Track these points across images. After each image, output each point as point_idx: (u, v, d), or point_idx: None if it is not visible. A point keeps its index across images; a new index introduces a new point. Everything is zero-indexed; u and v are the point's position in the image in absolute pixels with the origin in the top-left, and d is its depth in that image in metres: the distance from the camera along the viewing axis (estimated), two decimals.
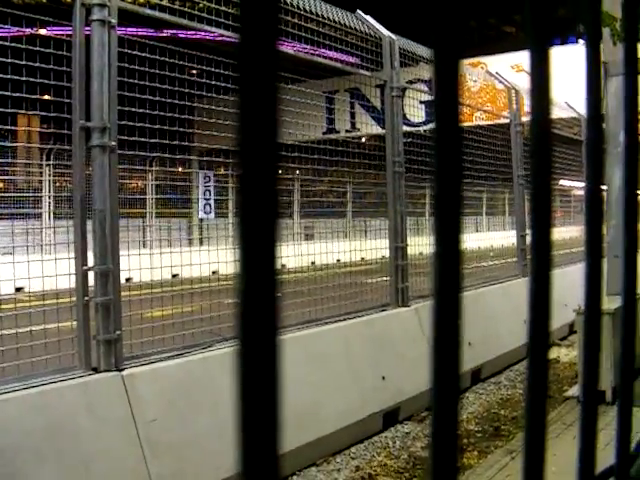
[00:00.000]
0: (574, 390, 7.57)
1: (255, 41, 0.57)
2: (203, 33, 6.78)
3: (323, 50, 8.05)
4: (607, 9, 6.48)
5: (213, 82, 6.72)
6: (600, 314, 1.02)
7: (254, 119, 0.57)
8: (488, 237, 14.36)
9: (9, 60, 5.22)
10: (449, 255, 0.70)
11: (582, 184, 15.49)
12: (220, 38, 6.64)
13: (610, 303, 6.20)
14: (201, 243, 15.00)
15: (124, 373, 5.21)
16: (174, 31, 6.66)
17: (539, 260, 0.88)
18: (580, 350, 7.46)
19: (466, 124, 13.89)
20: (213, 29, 6.43)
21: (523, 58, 21.81)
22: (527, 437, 0.91)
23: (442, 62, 0.69)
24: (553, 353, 10.72)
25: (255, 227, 0.58)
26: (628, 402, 1.45)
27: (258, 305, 0.58)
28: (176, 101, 6.59)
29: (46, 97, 5.58)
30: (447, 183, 0.70)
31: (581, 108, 14.34)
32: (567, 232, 16.47)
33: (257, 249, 0.58)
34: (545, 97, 0.87)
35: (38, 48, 5.33)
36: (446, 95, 0.69)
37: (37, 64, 5.33)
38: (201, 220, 17.09)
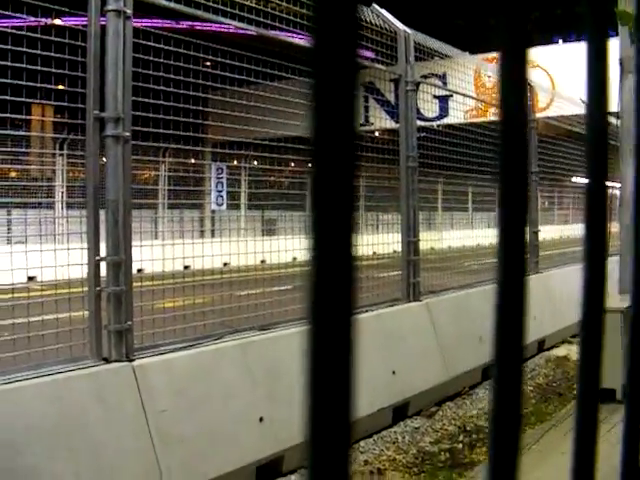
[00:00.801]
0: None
1: (333, 49, 0.58)
2: (218, 25, 6.76)
3: None
4: (625, 7, 6.45)
5: (227, 74, 6.72)
6: (602, 313, 1.01)
7: (333, 122, 0.60)
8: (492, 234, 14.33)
9: (24, 49, 5.23)
10: (514, 244, 0.72)
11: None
12: (234, 30, 6.64)
13: (622, 302, 6.18)
14: (213, 235, 15.02)
15: (135, 363, 5.22)
16: (192, 23, 6.65)
17: (593, 251, 0.88)
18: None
19: (481, 119, 13.85)
20: (228, 21, 6.43)
21: (537, 54, 21.72)
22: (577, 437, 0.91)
23: (509, 54, 0.69)
24: (563, 351, 10.69)
25: (333, 219, 0.59)
26: (636, 401, 1.44)
27: (337, 289, 0.60)
28: (190, 92, 6.59)
29: (60, 87, 5.59)
30: (512, 177, 0.70)
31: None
32: (580, 230, 16.39)
33: (335, 239, 0.59)
34: (603, 95, 0.86)
35: (53, 38, 5.34)
36: (512, 88, 0.70)
37: (52, 54, 5.34)
38: (213, 212, 17.11)
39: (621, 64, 8.14)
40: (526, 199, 0.76)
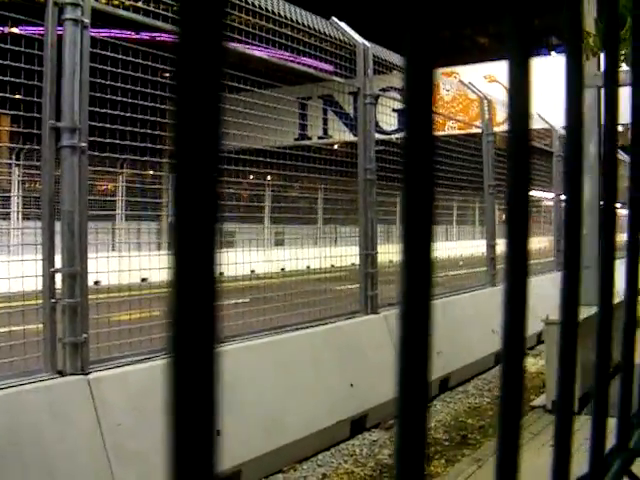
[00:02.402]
0: (541, 399, 7.61)
1: (197, 38, 0.54)
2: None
3: (297, 56, 8.05)
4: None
5: None
6: (577, 324, 1.02)
7: (195, 122, 0.54)
8: (458, 246, 14.42)
9: None
10: (419, 263, 0.69)
11: (552, 195, 15.62)
12: None
13: (580, 313, 6.23)
14: (170, 247, 14.92)
15: (90, 377, 5.15)
16: (153, 34, 6.61)
17: (515, 268, 0.87)
18: (548, 360, 7.50)
19: (438, 133, 13.92)
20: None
21: (496, 69, 21.98)
22: (500, 448, 0.90)
23: (415, 70, 0.67)
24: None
25: (192, 233, 0.54)
26: (603, 410, 1.45)
27: (196, 317, 0.55)
28: (148, 103, 6.54)
29: (17, 96, 5.52)
30: (418, 192, 0.68)
31: (552, 119, 14.46)
32: (537, 243, 16.58)
33: (194, 256, 0.54)
34: (525, 108, 0.86)
35: (9, 46, 5.28)
36: (419, 104, 0.68)
37: (8, 62, 5.27)
38: (171, 224, 17.00)
39: None
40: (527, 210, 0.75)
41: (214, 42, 0.54)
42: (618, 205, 1.58)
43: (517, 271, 0.87)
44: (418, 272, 0.69)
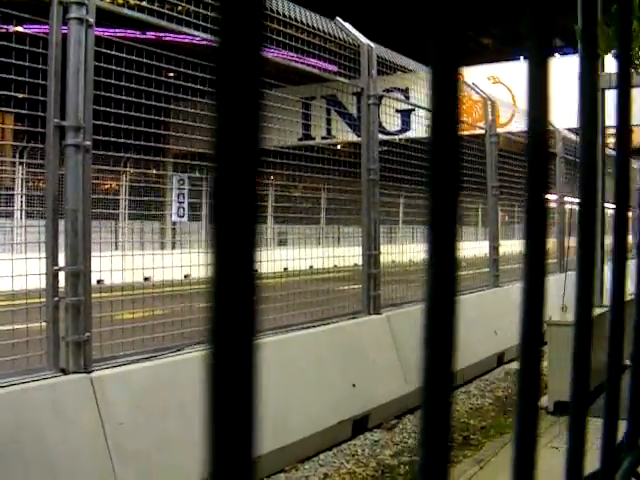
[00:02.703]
0: (543, 400, 7.60)
1: (238, 46, 0.55)
2: (183, 36, 6.75)
3: (301, 56, 8.06)
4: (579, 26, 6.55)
5: (190, 84, 6.70)
6: (591, 323, 1.02)
7: (236, 125, 0.55)
8: (461, 247, 14.41)
9: None
10: (445, 262, 0.70)
11: (555, 196, 15.60)
12: (197, 41, 6.63)
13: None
14: (173, 246, 14.94)
15: (93, 375, 5.16)
16: (159, 34, 6.63)
17: (533, 267, 0.88)
18: (549, 361, 7.50)
19: (429, 134, 13.87)
20: (192, 31, 6.41)
21: (499, 70, 21.98)
22: (516, 447, 0.91)
23: (440, 72, 0.68)
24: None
25: (234, 232, 0.55)
26: (614, 408, 1.45)
27: (237, 311, 0.56)
28: (152, 102, 6.55)
29: (21, 95, 5.53)
30: (444, 193, 0.69)
31: (556, 121, 14.45)
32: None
33: (236, 254, 0.56)
34: (543, 108, 0.86)
35: (14, 45, 5.29)
36: (444, 105, 0.68)
37: (13, 61, 5.28)
38: (174, 223, 17.01)
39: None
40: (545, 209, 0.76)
41: (253, 50, 0.55)
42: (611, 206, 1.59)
43: (535, 271, 0.88)
44: (443, 270, 0.70)
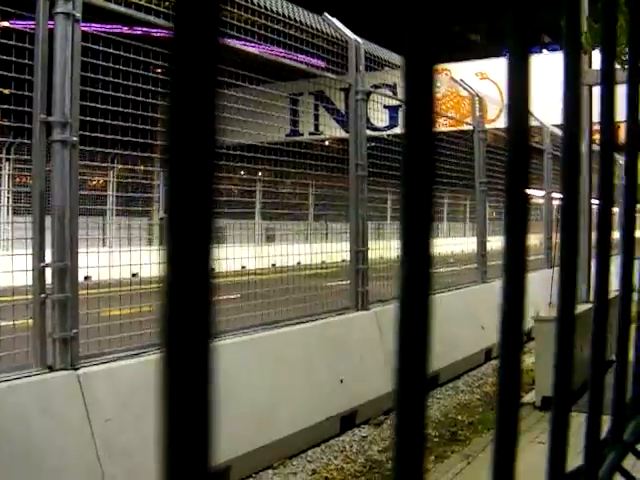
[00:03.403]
0: (530, 396, 7.63)
1: (193, 34, 0.54)
2: (171, 31, 6.72)
3: (289, 52, 8.04)
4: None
5: None
6: (574, 320, 1.02)
7: (190, 118, 0.53)
8: (448, 243, 14.43)
9: None
10: (418, 259, 0.69)
11: (542, 192, 15.64)
12: None
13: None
14: (161, 242, 14.89)
15: (80, 372, 5.14)
16: (146, 29, 6.60)
17: (513, 264, 0.88)
18: (537, 357, 7.52)
19: (403, 130, 13.88)
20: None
21: (487, 66, 22.03)
22: (497, 443, 0.91)
23: (415, 68, 0.67)
24: None
25: (189, 228, 0.54)
26: (598, 403, 1.45)
27: (191, 312, 0.54)
28: (140, 98, 6.53)
29: (6, 91, 5.50)
30: (418, 189, 0.68)
31: (543, 117, 14.48)
32: (527, 240, 16.56)
33: (190, 251, 0.54)
34: (523, 105, 0.86)
35: (0, 40, 5.25)
36: (419, 101, 0.68)
37: None
38: (161, 219, 16.98)
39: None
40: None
41: (210, 38, 0.54)
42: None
43: (515, 267, 0.87)
44: (417, 267, 0.69)
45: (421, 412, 0.70)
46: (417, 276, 0.68)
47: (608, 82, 1.41)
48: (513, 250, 0.88)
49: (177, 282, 0.54)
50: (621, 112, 1.56)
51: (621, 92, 1.54)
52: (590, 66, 8.32)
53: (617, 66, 1.52)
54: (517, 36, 0.84)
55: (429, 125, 0.68)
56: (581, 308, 1.63)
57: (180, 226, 0.53)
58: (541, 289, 7.63)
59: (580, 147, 1.25)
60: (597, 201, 1.56)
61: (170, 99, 0.53)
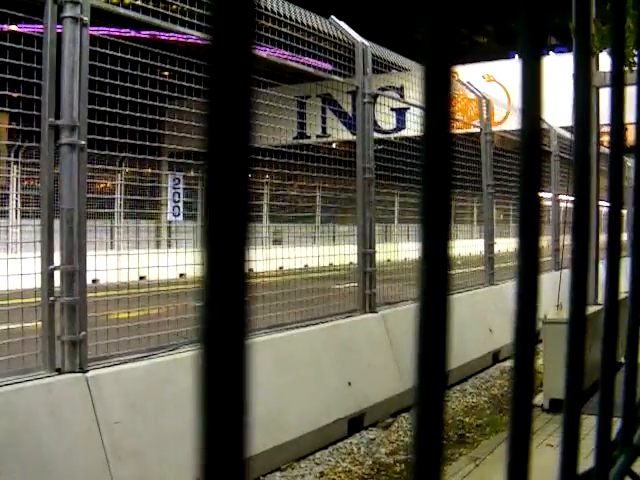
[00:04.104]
0: (539, 398, 7.62)
1: (229, 44, 0.55)
2: (179, 35, 6.74)
3: (296, 55, 8.05)
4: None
5: (185, 84, 6.70)
6: (585, 322, 1.03)
7: (227, 123, 0.55)
8: (456, 245, 14.42)
9: None
10: (438, 260, 0.70)
11: (550, 194, 15.61)
12: (192, 39, 6.62)
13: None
14: (169, 245, 14.91)
15: (88, 374, 5.16)
16: (154, 32, 6.62)
17: (526, 266, 0.88)
18: (545, 359, 7.51)
19: (422, 132, 13.88)
20: (186, 30, 6.40)
21: (494, 68, 22.00)
22: (511, 443, 0.91)
23: (433, 69, 0.68)
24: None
25: (226, 231, 0.55)
26: (608, 407, 1.45)
27: (228, 310, 0.56)
28: (147, 101, 6.54)
29: (15, 94, 5.52)
30: (437, 191, 0.69)
31: (550, 119, 14.46)
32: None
33: (227, 253, 0.55)
34: (536, 105, 0.87)
35: (8, 44, 5.28)
36: (436, 103, 0.68)
37: (7, 60, 5.27)
38: (169, 222, 17.00)
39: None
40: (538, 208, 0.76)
41: (244, 48, 0.55)
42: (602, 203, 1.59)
43: (529, 268, 0.88)
44: (437, 268, 0.70)
45: (439, 409, 0.71)
46: (436, 277, 0.69)
47: (618, 84, 1.41)
48: (526, 252, 0.88)
49: (215, 283, 0.56)
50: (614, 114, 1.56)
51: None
52: (597, 68, 8.32)
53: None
54: (529, 38, 0.85)
55: (447, 129, 0.68)
56: (590, 310, 1.63)
57: (218, 229, 0.55)
58: (549, 291, 7.61)
59: (591, 150, 1.25)
60: (606, 203, 1.56)
61: (208, 107, 0.55)
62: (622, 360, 1.77)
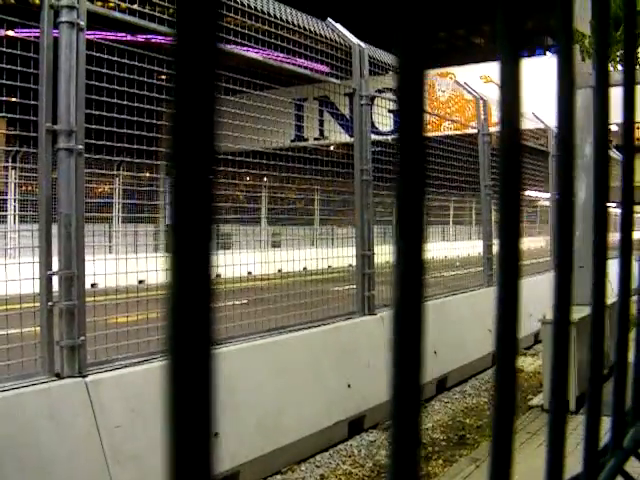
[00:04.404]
0: (539, 399, 7.62)
1: (193, 41, 0.55)
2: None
3: (293, 57, 8.05)
4: (577, 26, 6.55)
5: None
6: (569, 324, 1.03)
7: (191, 124, 0.54)
8: (455, 246, 14.42)
9: None
10: (411, 263, 0.69)
11: (548, 195, 15.62)
12: None
13: (575, 313, 6.26)
14: (166, 249, 14.91)
15: (88, 379, 5.15)
16: (149, 36, 6.62)
17: (507, 269, 0.88)
18: (545, 360, 7.51)
19: (434, 134, 13.95)
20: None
21: (492, 69, 22.01)
22: (494, 446, 0.91)
23: (407, 71, 0.68)
24: (518, 362, 10.77)
25: (190, 235, 0.54)
26: (596, 410, 1.45)
27: (192, 318, 0.55)
28: (144, 105, 6.54)
29: (12, 99, 5.52)
30: (410, 192, 0.69)
31: (548, 119, 14.49)
32: (532, 242, 16.58)
33: (191, 257, 0.55)
34: (515, 108, 0.86)
35: (5, 49, 5.28)
36: (410, 105, 0.68)
37: (4, 65, 5.28)
38: (167, 226, 17.02)
39: None
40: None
41: (209, 44, 0.55)
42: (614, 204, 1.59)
43: (509, 271, 0.87)
44: (411, 273, 0.69)
45: (416, 421, 0.70)
46: (410, 282, 0.68)
47: (629, 85, 1.41)
48: (507, 255, 0.88)
49: (180, 289, 0.54)
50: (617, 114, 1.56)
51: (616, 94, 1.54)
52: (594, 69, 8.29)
53: (611, 68, 1.52)
54: (508, 40, 0.85)
55: (420, 129, 0.68)
56: (588, 311, 1.63)
57: (182, 232, 0.54)
58: (548, 291, 7.60)
59: (582, 149, 1.25)
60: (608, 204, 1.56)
61: (173, 105, 0.54)
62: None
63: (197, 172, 0.54)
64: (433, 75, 14.87)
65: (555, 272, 1.23)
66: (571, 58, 1.04)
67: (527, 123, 14.48)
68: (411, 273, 0.68)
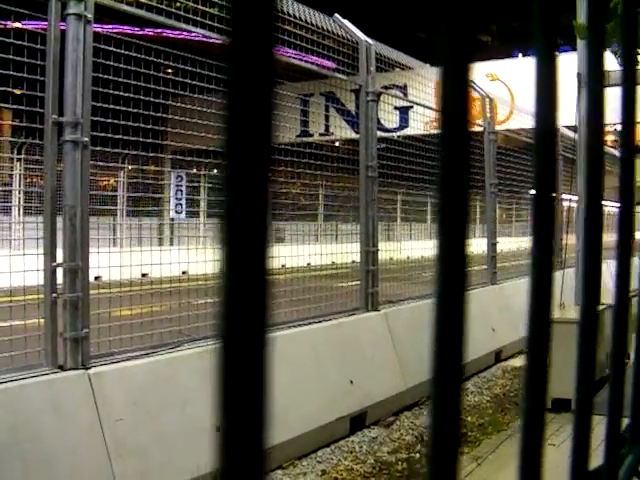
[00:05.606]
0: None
1: (249, 46, 0.55)
2: (184, 33, 6.74)
3: (300, 53, 8.05)
4: (582, 22, 6.52)
5: (188, 81, 6.70)
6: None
7: (248, 123, 0.55)
8: None
9: None
10: (455, 258, 0.69)
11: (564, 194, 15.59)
12: (195, 37, 6.62)
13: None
14: (171, 243, 14.93)
15: (91, 372, 5.16)
16: (157, 30, 6.63)
17: (540, 262, 0.88)
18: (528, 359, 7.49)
19: (438, 132, 13.88)
20: (190, 27, 6.40)
21: (498, 67, 21.96)
22: (523, 440, 0.91)
23: (450, 69, 0.67)
24: (520, 361, 10.76)
25: (247, 230, 0.55)
26: (618, 404, 1.45)
27: (250, 306, 0.56)
28: (150, 99, 6.55)
29: (18, 91, 5.52)
30: (453, 189, 0.69)
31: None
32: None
33: (247, 251, 0.56)
34: (552, 105, 0.86)
35: (12, 41, 5.28)
36: (454, 100, 0.68)
37: (11, 56, 5.28)
38: (172, 220, 17.02)
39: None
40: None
41: (265, 48, 0.55)
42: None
43: (542, 266, 0.88)
44: (454, 265, 0.69)
45: (457, 401, 0.71)
46: (453, 276, 0.69)
47: (629, 83, 1.40)
48: (540, 252, 0.88)
49: (236, 281, 0.56)
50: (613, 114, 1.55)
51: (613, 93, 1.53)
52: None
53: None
54: (544, 37, 0.84)
55: (465, 128, 0.68)
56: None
57: (238, 227, 0.55)
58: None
59: (602, 149, 1.25)
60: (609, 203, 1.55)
61: (228, 109, 0.55)
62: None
63: (255, 170, 0.56)
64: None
65: (582, 271, 1.23)
66: (601, 56, 1.03)
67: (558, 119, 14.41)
68: (455, 267, 0.69)
